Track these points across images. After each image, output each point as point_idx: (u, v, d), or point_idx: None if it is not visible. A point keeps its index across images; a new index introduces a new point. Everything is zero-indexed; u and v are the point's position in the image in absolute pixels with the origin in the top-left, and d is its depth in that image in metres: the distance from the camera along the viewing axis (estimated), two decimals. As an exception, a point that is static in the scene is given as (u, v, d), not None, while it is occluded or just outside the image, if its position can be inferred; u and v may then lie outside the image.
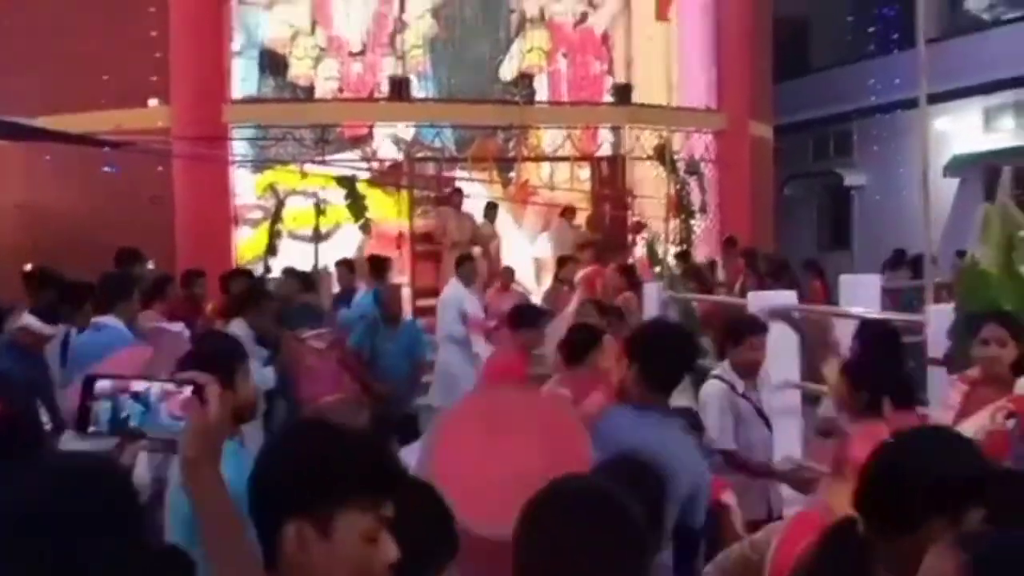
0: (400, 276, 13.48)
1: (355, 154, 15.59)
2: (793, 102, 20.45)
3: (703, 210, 16.61)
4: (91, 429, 1.89)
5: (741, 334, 5.72)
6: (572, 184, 16.28)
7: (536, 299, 11.36)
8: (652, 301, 9.55)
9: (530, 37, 16.33)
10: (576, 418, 3.58)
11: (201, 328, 7.45)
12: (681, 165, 16.07)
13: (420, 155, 15.99)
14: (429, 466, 3.05)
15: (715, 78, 17.05)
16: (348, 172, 14.41)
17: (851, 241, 22.83)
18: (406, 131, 15.70)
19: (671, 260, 13.11)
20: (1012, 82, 18.10)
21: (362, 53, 15.76)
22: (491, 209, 14.48)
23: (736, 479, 5.12)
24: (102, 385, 1.89)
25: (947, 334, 5.82)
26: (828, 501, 2.98)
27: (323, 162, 14.79)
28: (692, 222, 16.22)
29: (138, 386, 1.89)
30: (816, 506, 3.15)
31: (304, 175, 14.57)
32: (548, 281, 12.90)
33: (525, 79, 16.29)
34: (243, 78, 15.31)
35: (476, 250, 13.06)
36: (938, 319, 5.99)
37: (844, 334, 6.42)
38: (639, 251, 15.20)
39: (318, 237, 13.95)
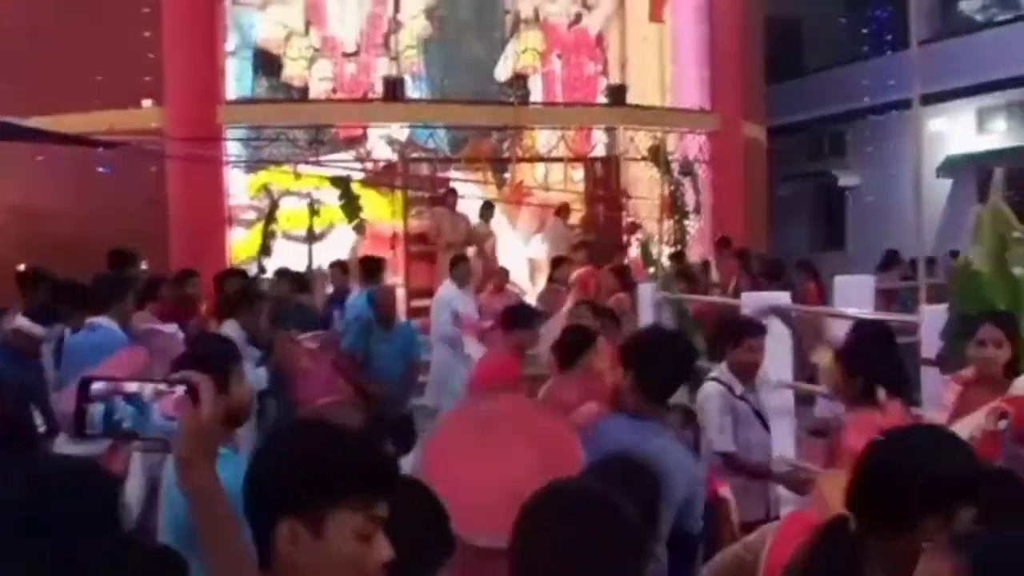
0: (394, 277, 13.47)
1: (349, 155, 15.60)
2: (787, 103, 20.48)
3: (697, 211, 16.62)
4: (87, 431, 1.89)
5: (739, 336, 5.71)
6: (566, 185, 16.30)
7: (531, 300, 11.36)
8: (646, 302, 9.55)
9: (524, 38, 16.34)
10: (569, 427, 3.58)
11: (194, 329, 7.45)
12: (675, 166, 16.07)
13: (414, 156, 15.98)
14: (422, 476, 3.05)
15: (709, 79, 17.07)
16: (342, 173, 14.42)
17: (845, 242, 22.85)
18: (400, 132, 15.69)
19: (665, 261, 13.13)
20: (1005, 83, 18.14)
21: (356, 54, 15.75)
22: (487, 209, 14.48)
23: (735, 481, 5.13)
24: (98, 387, 1.88)
25: (940, 335, 5.83)
26: (822, 488, 2.99)
27: (317, 163, 14.79)
28: (686, 223, 16.25)
29: (133, 387, 1.89)
30: (811, 504, 3.16)
31: (298, 176, 14.57)
32: (542, 282, 12.90)
33: (519, 80, 16.28)
34: (237, 79, 15.31)
35: (470, 251, 13.06)
36: (931, 320, 6.01)
37: (838, 335, 6.42)
38: (633, 252, 15.20)
39: (312, 238, 13.96)
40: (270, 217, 14.28)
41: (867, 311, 7.48)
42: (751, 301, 7.63)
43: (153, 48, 13.60)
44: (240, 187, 14.89)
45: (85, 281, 6.92)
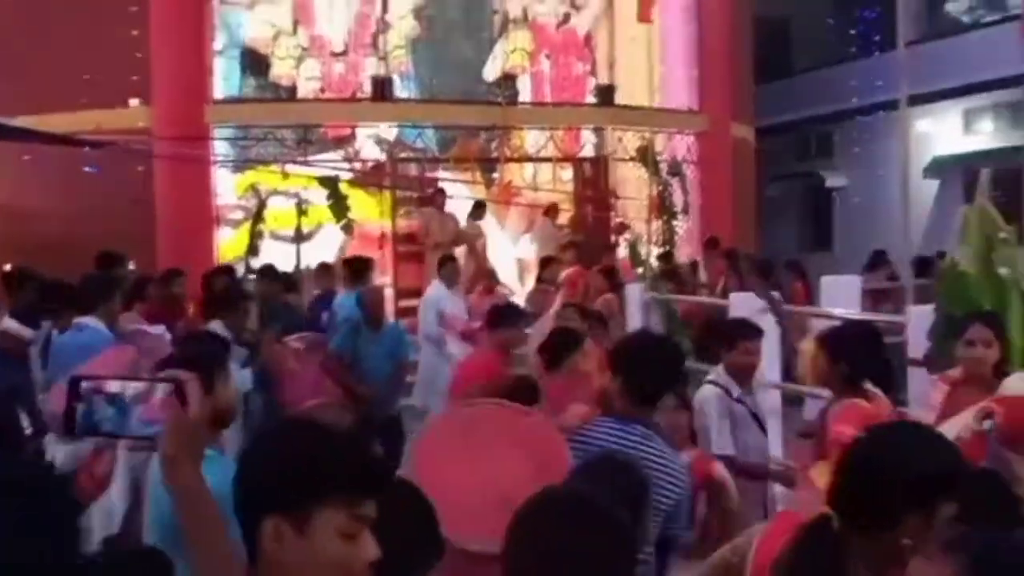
0: (383, 277, 13.46)
1: (337, 154, 15.57)
2: (775, 104, 20.51)
3: (685, 211, 16.64)
4: (77, 431, 1.88)
5: (734, 338, 5.68)
6: (555, 185, 16.30)
7: (520, 300, 11.36)
8: (634, 302, 9.56)
9: (513, 38, 16.34)
10: (556, 431, 3.58)
11: (182, 330, 7.43)
12: (663, 166, 16.10)
13: (403, 155, 15.96)
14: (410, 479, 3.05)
15: (697, 79, 17.10)
16: (330, 172, 14.40)
17: (832, 242, 22.90)
18: (388, 131, 15.66)
19: (653, 261, 13.15)
20: (992, 84, 18.16)
21: (344, 53, 15.72)
22: (478, 208, 14.47)
23: (734, 483, 5.12)
24: (87, 386, 1.88)
25: (927, 335, 5.85)
26: (810, 476, 2.99)
27: (305, 162, 14.76)
28: (674, 223, 16.27)
29: (121, 387, 1.89)
30: (802, 491, 3.16)
31: (286, 175, 14.53)
32: (531, 282, 12.90)
33: (508, 80, 16.29)
34: (225, 78, 15.26)
35: (459, 251, 13.05)
36: (918, 320, 6.03)
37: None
38: (622, 252, 15.21)
39: (300, 238, 13.93)
40: (258, 217, 14.25)
41: (854, 311, 7.50)
42: (739, 302, 7.65)
43: (140, 47, 13.55)
44: (228, 187, 14.84)
45: (72, 281, 6.90)
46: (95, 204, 12.98)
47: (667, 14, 16.23)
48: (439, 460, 3.21)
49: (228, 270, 10.82)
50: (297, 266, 12.98)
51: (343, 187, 14.27)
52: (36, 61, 13.34)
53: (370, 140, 15.69)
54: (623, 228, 15.92)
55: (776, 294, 8.37)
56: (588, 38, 17.14)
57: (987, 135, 19.85)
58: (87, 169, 13.35)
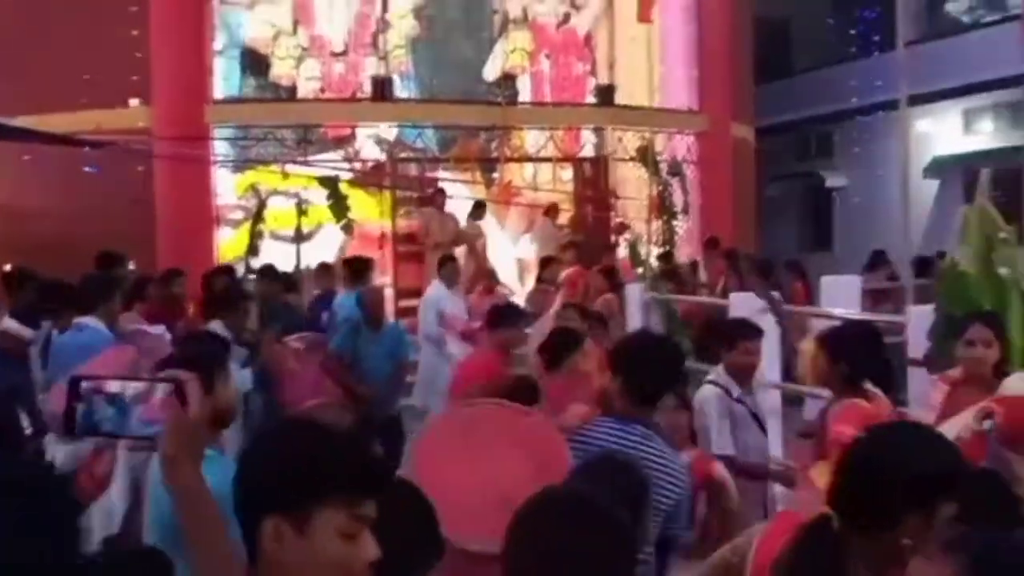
0: (383, 277, 13.46)
1: (337, 154, 15.58)
2: (774, 104, 20.51)
3: (685, 211, 16.64)
4: (77, 431, 1.88)
5: (734, 338, 5.68)
6: (555, 185, 16.31)
7: (520, 300, 11.36)
8: (634, 302, 9.56)
9: (513, 38, 16.34)
10: (556, 431, 3.58)
11: (182, 330, 7.43)
12: (663, 166, 16.10)
13: (403, 155, 15.96)
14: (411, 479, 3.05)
15: (697, 79, 17.10)
16: (330, 172, 14.40)
17: (832, 242, 22.90)
18: (388, 131, 15.67)
19: (653, 261, 13.15)
20: (992, 84, 18.16)
21: (344, 53, 15.73)
22: (478, 208, 14.48)
23: (734, 483, 5.12)
24: (87, 386, 1.88)
25: (927, 335, 5.85)
26: (810, 476, 2.99)
27: (305, 162, 14.76)
28: (674, 223, 16.27)
29: (121, 387, 1.89)
30: (803, 490, 3.16)
31: (286, 175, 14.53)
32: (531, 282, 12.90)
33: (508, 80, 16.29)
34: (225, 78, 15.27)
35: (459, 251, 13.05)
36: (918, 320, 6.03)
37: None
38: (622, 252, 15.22)
39: (300, 238, 13.93)
40: (258, 217, 14.25)
41: (854, 311, 7.50)
42: (739, 301, 7.65)
43: (140, 47, 13.56)
44: (228, 187, 14.84)
45: (72, 281, 6.90)
46: (95, 204, 12.98)
47: (667, 14, 16.23)
48: (439, 460, 3.21)
49: (228, 270, 10.82)
50: (297, 266, 12.98)
51: (343, 187, 14.27)
52: (36, 61, 13.34)
53: (370, 140, 15.69)
54: (623, 228, 15.92)
55: (776, 294, 8.37)
56: (588, 38, 17.15)
57: (987, 135, 19.85)
58: (87, 169, 13.36)
